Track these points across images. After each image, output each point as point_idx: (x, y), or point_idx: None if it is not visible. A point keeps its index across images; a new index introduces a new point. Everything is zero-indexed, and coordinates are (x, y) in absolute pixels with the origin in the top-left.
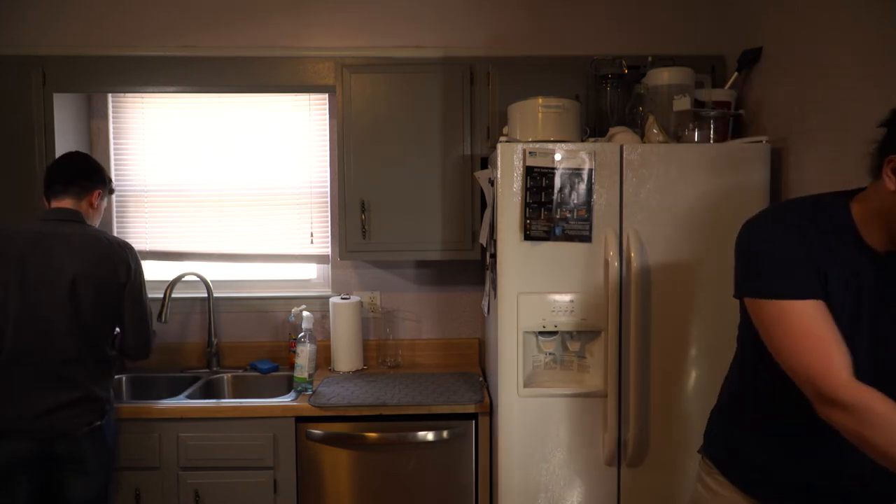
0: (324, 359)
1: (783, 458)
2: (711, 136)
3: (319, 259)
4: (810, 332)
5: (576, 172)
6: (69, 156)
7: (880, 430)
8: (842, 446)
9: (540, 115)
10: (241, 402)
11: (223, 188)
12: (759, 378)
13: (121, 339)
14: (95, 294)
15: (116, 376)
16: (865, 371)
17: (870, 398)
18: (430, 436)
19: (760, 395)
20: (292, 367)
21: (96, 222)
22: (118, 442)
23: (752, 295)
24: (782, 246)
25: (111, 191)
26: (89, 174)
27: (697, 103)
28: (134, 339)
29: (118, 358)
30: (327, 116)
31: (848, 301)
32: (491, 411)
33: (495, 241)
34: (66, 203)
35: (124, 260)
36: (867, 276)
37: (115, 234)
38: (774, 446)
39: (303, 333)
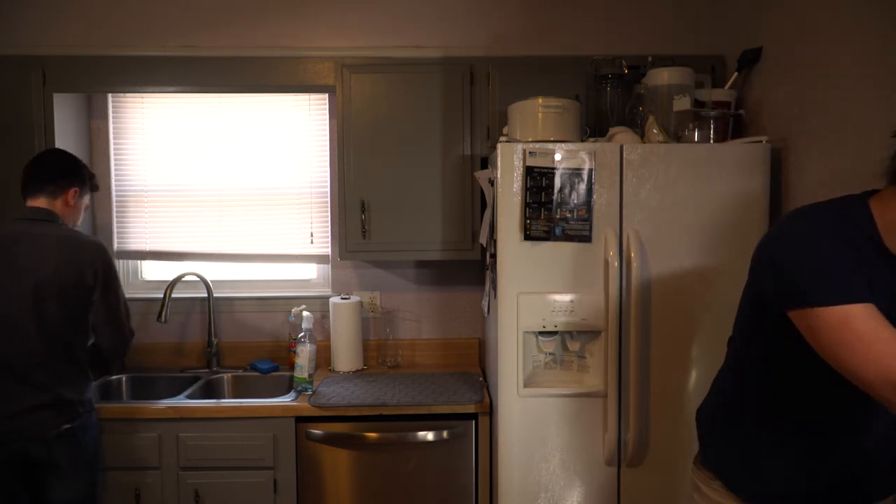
0: (324, 359)
1: (787, 458)
2: (711, 136)
3: (319, 259)
4: (880, 336)
5: (576, 172)
6: (44, 154)
7: None
8: (846, 445)
9: (540, 115)
10: (241, 402)
11: (223, 188)
12: (763, 379)
13: (95, 340)
14: (62, 297)
15: (116, 376)
16: None
17: None
18: (430, 436)
19: (765, 396)
20: (292, 367)
21: (75, 221)
22: (101, 442)
23: (808, 305)
24: (831, 252)
25: (93, 188)
26: (64, 172)
27: (697, 103)
28: (108, 341)
29: (100, 358)
30: (327, 116)
31: (880, 309)
32: (491, 411)
33: (495, 241)
34: (39, 202)
35: (93, 262)
36: (888, 283)
37: (116, 235)
38: (778, 446)
39: (303, 333)
